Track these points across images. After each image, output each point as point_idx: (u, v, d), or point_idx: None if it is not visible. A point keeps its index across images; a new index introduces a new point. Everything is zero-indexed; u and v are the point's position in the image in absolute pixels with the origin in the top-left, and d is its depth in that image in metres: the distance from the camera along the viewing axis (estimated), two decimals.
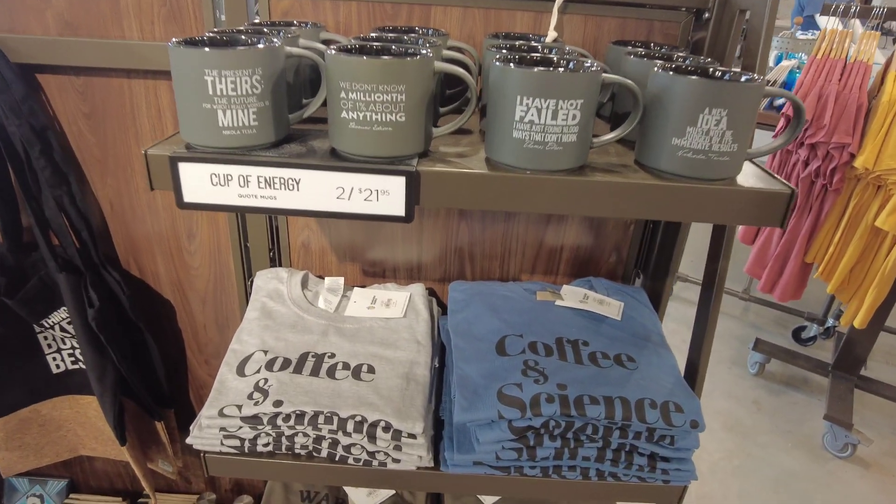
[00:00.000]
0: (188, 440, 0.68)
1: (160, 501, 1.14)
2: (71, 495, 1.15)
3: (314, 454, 0.68)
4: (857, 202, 1.62)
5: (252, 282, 0.86)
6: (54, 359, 0.97)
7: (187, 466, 1.13)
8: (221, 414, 0.66)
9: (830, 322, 2.20)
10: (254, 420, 0.66)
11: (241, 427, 0.66)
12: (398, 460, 0.67)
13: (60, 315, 0.91)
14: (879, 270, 1.62)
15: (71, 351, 0.97)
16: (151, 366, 0.95)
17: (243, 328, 0.78)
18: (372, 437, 0.66)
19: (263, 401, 0.66)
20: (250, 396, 0.67)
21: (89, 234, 0.87)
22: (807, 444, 1.84)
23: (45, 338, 0.95)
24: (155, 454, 1.04)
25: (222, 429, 0.67)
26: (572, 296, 0.81)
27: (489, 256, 0.90)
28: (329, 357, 0.74)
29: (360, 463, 0.67)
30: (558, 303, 0.81)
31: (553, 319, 0.77)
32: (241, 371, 0.71)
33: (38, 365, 0.96)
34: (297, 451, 0.68)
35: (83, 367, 0.97)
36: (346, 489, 0.92)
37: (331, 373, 0.71)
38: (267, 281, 0.85)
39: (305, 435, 0.67)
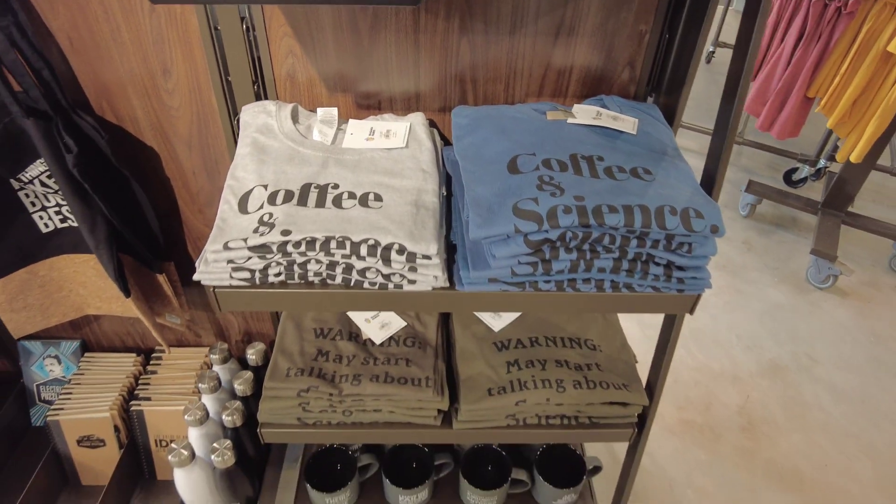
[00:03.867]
0: (195, 277, 0.66)
1: (172, 354, 1.17)
2: (85, 354, 1.17)
3: (328, 281, 0.67)
4: (871, 27, 1.53)
5: (238, 120, 0.79)
6: (41, 217, 0.93)
7: (195, 320, 1.14)
8: (226, 247, 0.63)
9: (822, 163, 2.19)
10: (262, 249, 0.64)
11: (249, 258, 0.64)
12: (414, 281, 0.66)
13: (38, 168, 0.85)
14: (884, 101, 1.57)
15: (57, 209, 0.92)
16: (143, 217, 0.91)
17: (237, 164, 0.73)
18: (386, 260, 0.64)
19: (270, 232, 0.63)
20: (256, 230, 0.64)
21: (51, 73, 0.79)
22: (792, 279, 1.92)
23: (27, 195, 0.90)
24: (161, 308, 1.04)
25: (230, 261, 0.65)
26: (585, 114, 0.77)
27: (493, 80, 0.83)
28: (333, 188, 0.70)
29: (377, 287, 0.67)
30: (570, 121, 0.76)
31: (566, 137, 0.73)
32: (242, 208, 0.68)
33: (25, 224, 0.92)
34: (310, 279, 0.67)
35: (74, 225, 0.94)
36: (359, 323, 0.94)
37: (337, 202, 0.68)
38: (254, 115, 0.79)
39: (318, 262, 0.65)
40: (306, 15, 0.77)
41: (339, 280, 0.67)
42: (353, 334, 0.93)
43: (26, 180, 0.87)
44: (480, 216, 0.63)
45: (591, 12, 0.78)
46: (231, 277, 0.66)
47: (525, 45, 0.80)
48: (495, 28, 0.79)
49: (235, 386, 1.01)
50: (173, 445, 0.93)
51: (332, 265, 0.65)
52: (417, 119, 0.81)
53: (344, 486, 1.02)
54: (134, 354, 1.17)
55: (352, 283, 0.67)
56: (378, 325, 0.94)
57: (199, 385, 1.02)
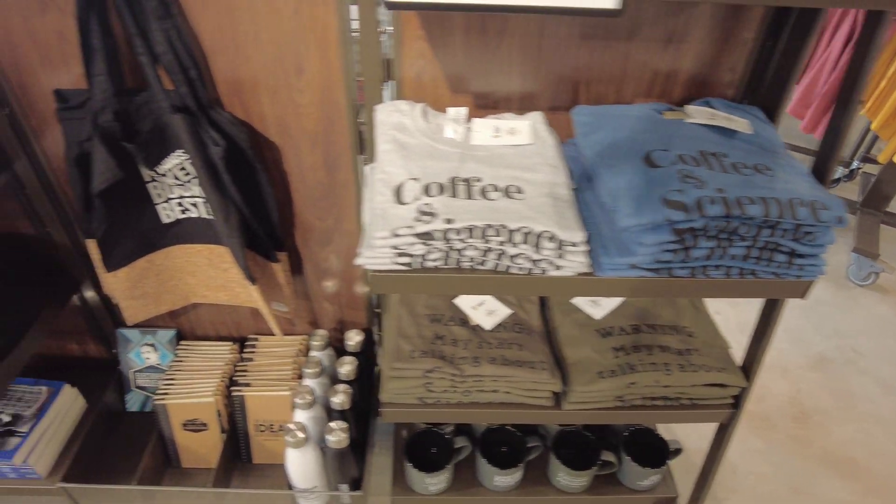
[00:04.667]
0: (358, 261, 0.71)
1: (265, 342, 1.21)
2: (181, 342, 1.22)
3: (477, 267, 0.72)
4: None
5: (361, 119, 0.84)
6: (164, 208, 0.98)
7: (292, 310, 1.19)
8: (395, 234, 0.68)
9: (855, 164, 2.26)
10: (426, 236, 0.69)
11: (413, 244, 0.69)
12: (560, 267, 0.71)
13: (173, 161, 0.91)
14: None
15: (179, 200, 0.97)
16: (266, 208, 0.96)
17: (383, 160, 0.79)
18: (537, 247, 0.69)
19: (433, 220, 0.68)
20: (418, 219, 0.69)
21: (196, 72, 0.84)
22: (832, 276, 1.98)
23: (155, 187, 0.95)
24: (271, 296, 1.09)
25: (395, 247, 0.70)
26: (699, 114, 0.82)
27: (604, 82, 0.89)
28: (476, 181, 0.75)
29: (524, 272, 0.72)
30: (688, 121, 0.82)
31: (689, 135, 0.79)
32: (398, 198, 0.73)
33: (150, 215, 0.97)
34: (463, 264, 0.72)
35: (193, 216, 0.98)
36: (466, 311, 0.99)
37: (483, 194, 0.73)
38: (388, 114, 0.84)
39: (476, 248, 0.70)
40: (441, 19, 0.82)
41: (489, 265, 0.72)
42: (463, 320, 0.98)
43: (161, 172, 0.92)
44: (629, 206, 0.68)
45: (703, 21, 0.84)
46: (393, 263, 0.71)
47: (638, 51, 0.86)
48: (614, 34, 0.84)
49: (339, 370, 1.06)
50: (290, 426, 0.97)
51: (486, 252, 0.71)
52: (538, 118, 0.87)
53: (444, 467, 1.07)
54: (230, 343, 1.21)
55: (501, 269, 0.72)
56: (485, 312, 0.99)
57: (305, 370, 1.07)
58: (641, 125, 0.80)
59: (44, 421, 1.10)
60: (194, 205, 0.97)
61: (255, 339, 1.22)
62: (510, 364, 0.90)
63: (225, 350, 1.20)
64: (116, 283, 1.00)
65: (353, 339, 1.13)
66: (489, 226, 0.69)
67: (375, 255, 0.70)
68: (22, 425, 1.09)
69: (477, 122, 0.86)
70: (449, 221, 0.68)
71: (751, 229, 0.69)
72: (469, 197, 0.73)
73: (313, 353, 1.13)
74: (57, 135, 0.95)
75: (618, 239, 0.72)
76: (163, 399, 1.11)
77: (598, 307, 1.00)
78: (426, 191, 0.73)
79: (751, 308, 0.90)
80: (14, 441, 1.07)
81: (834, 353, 1.68)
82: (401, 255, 0.70)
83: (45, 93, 0.90)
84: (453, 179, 0.75)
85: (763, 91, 0.88)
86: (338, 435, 0.98)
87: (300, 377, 1.16)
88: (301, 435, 0.97)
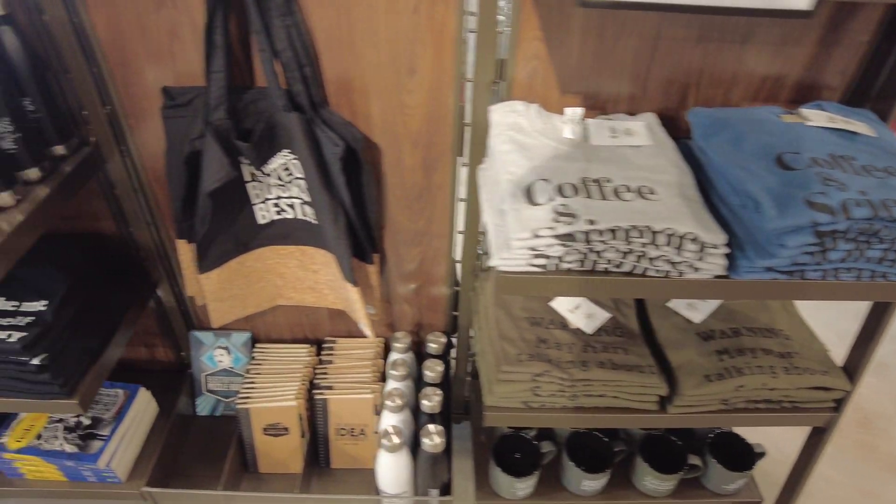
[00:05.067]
0: (491, 262, 0.70)
1: (342, 344, 1.20)
2: (256, 345, 1.21)
3: (612, 269, 0.72)
4: None
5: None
6: (260, 209, 0.97)
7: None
8: (536, 235, 0.68)
9: None
10: (567, 238, 0.68)
11: (552, 245, 0.69)
12: (699, 269, 0.71)
13: (278, 161, 0.90)
14: None
15: (276, 201, 0.96)
16: (367, 209, 0.95)
17: (504, 160, 0.78)
18: (679, 249, 0.69)
19: (575, 221, 0.68)
20: (557, 220, 0.68)
21: (311, 69, 0.83)
22: None
23: (254, 187, 0.94)
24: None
25: (532, 248, 0.69)
26: (817, 117, 0.82)
27: (714, 84, 0.88)
28: (606, 181, 0.75)
29: (662, 275, 0.71)
30: (808, 123, 0.81)
31: (813, 138, 0.79)
32: (531, 199, 0.72)
33: (247, 215, 0.96)
34: (599, 266, 0.71)
35: (287, 216, 0.98)
36: (565, 314, 0.98)
37: (617, 195, 0.73)
38: (504, 115, 0.84)
39: (617, 250, 0.70)
40: (561, 20, 0.82)
41: (626, 268, 0.71)
42: (562, 324, 0.97)
43: (266, 172, 0.91)
44: (773, 208, 0.68)
45: (819, 23, 0.84)
46: (528, 264, 0.70)
47: (751, 53, 0.86)
48: (730, 37, 0.84)
49: (427, 373, 1.05)
50: (387, 430, 0.96)
51: (625, 254, 0.70)
52: (651, 119, 0.86)
53: (531, 471, 1.06)
54: (307, 345, 1.20)
55: (638, 271, 0.71)
56: (583, 316, 0.98)
57: (391, 372, 1.06)
58: (765, 128, 0.80)
59: (123, 424, 1.09)
60: (290, 206, 0.96)
61: (333, 342, 1.21)
62: (619, 368, 0.89)
63: (302, 353, 1.19)
64: (208, 285, 0.99)
65: (437, 341, 1.12)
66: (633, 227, 0.68)
67: (513, 256, 0.69)
68: (102, 428, 1.08)
69: (591, 122, 0.85)
70: (591, 223, 0.68)
71: (892, 231, 0.69)
72: (603, 198, 0.72)
73: (398, 356, 1.12)
74: (152, 134, 0.94)
75: (754, 241, 0.71)
76: (245, 403, 1.10)
77: (696, 311, 0.99)
78: (560, 191, 0.72)
79: (835, 311, 0.89)
80: (97, 444, 1.05)
81: (891, 358, 1.68)
82: (538, 256, 0.70)
83: (148, 91, 0.89)
84: (584, 180, 0.74)
85: (873, 95, 0.88)
86: (434, 439, 0.97)
87: (381, 380, 1.14)
88: (397, 439, 0.96)
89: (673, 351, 0.94)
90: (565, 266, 0.71)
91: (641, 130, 0.84)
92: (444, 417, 1.10)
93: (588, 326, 0.96)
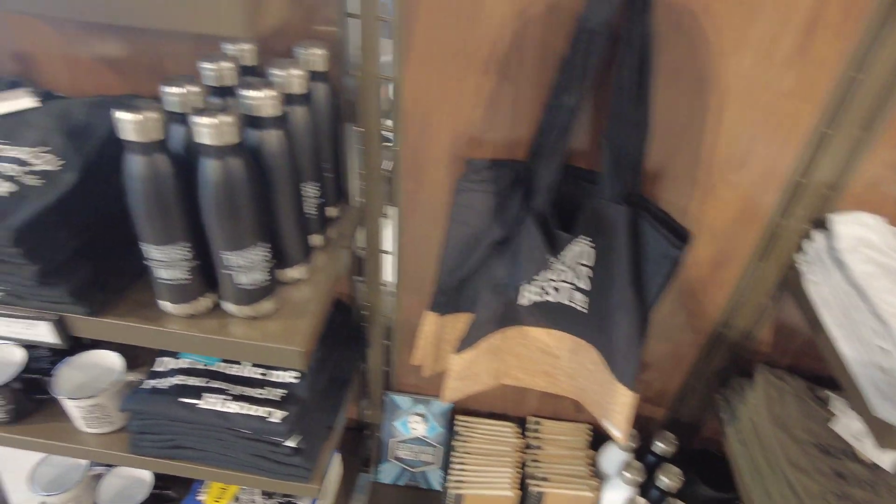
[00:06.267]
0: (878, 414, 0.61)
1: (554, 428, 1.11)
2: (457, 417, 1.12)
3: None
4: None
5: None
6: (526, 289, 0.88)
7: None
8: None
9: None
10: None
11: None
12: None
13: (576, 248, 0.81)
14: None
15: (544, 283, 0.88)
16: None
17: (874, 286, 0.69)
18: None
19: None
20: None
21: (640, 157, 0.75)
22: None
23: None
24: None
25: None
26: None
27: None
28: None
29: None
30: None
31: None
32: None
33: (512, 295, 0.88)
34: None
35: (549, 299, 0.89)
36: (851, 441, 0.88)
37: None
38: (849, 226, 0.75)
39: None
40: None
41: None
42: (852, 453, 0.87)
43: (561, 259, 0.83)
44: None
45: None
46: None
47: None
48: None
49: (661, 479, 0.96)
50: None
51: None
52: None
53: None
54: (512, 424, 1.11)
55: None
56: (873, 445, 0.88)
57: (624, 473, 0.96)
58: None
59: (321, 491, 1.01)
60: (556, 289, 0.88)
61: (538, 423, 1.12)
62: None
63: (508, 432, 1.10)
64: (457, 364, 0.90)
65: (668, 441, 1.02)
66: None
67: None
68: (301, 498, 1.00)
69: None
70: None
71: None
72: None
73: (624, 454, 1.02)
74: (422, 201, 0.87)
75: None
76: (458, 488, 1.01)
77: None
78: None
79: None
80: None
81: None
82: None
83: (436, 157, 0.82)
84: None
85: None
86: None
87: (593, 474, 1.05)
88: None
89: None
90: None
91: None
92: None
93: (885, 461, 0.86)
